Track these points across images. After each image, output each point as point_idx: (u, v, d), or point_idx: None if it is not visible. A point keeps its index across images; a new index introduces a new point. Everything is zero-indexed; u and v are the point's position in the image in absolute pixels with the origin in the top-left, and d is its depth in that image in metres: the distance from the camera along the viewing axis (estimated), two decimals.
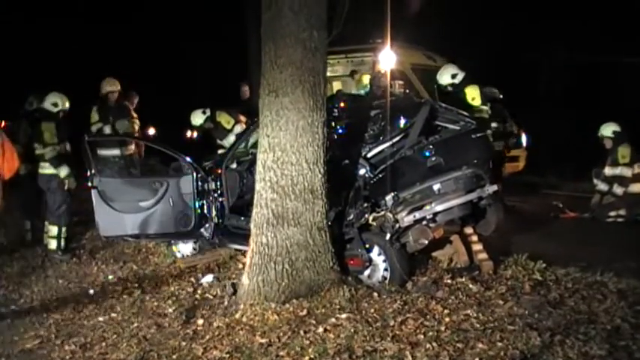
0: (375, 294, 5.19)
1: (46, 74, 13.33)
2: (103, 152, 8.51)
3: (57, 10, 16.28)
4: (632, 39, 14.28)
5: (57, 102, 7.61)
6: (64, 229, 7.45)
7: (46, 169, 7.43)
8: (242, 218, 6.44)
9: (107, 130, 9.07)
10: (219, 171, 6.71)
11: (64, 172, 7.37)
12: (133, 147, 9.14)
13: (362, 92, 10.80)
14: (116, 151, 8.72)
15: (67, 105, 7.73)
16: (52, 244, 7.40)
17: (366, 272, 5.78)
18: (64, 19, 16.31)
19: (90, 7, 16.39)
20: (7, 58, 14.59)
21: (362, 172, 6.12)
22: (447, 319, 4.71)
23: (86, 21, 16.56)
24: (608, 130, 8.99)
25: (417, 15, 13.53)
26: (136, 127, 9.48)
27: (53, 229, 7.40)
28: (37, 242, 7.92)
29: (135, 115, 9.62)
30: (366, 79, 11.01)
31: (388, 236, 5.77)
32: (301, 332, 4.59)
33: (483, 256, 6.18)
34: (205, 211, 6.62)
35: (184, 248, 7.19)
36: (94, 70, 11.94)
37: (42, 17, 16.35)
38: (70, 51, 16.34)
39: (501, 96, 10.23)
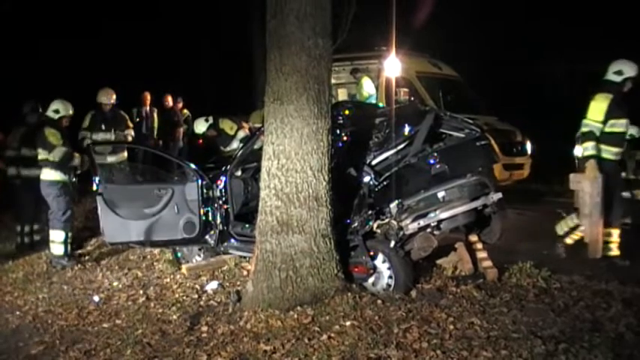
0: (380, 301, 5.18)
1: (47, 81, 13.36)
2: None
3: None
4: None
5: (58, 109, 7.67)
6: (69, 235, 7.46)
7: (49, 175, 7.44)
8: (247, 225, 6.45)
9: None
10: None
11: (69, 175, 7.45)
12: (125, 154, 9.22)
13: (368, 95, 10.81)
14: (109, 158, 8.77)
15: (71, 112, 7.78)
16: (58, 250, 7.40)
17: (371, 280, 5.77)
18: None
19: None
20: (7, 62, 14.62)
21: (366, 179, 6.11)
22: (451, 327, 4.70)
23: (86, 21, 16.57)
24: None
25: (423, 23, 13.55)
26: (130, 138, 9.52)
27: (59, 235, 7.39)
28: (31, 247, 7.95)
29: (131, 125, 9.70)
30: (366, 80, 11.03)
31: (392, 244, 5.77)
32: (305, 339, 4.59)
33: (488, 263, 6.17)
34: (210, 218, 6.63)
35: (189, 255, 7.19)
36: (95, 75, 12.00)
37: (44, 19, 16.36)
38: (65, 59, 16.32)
39: None
